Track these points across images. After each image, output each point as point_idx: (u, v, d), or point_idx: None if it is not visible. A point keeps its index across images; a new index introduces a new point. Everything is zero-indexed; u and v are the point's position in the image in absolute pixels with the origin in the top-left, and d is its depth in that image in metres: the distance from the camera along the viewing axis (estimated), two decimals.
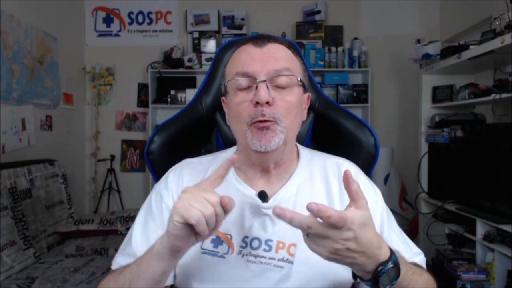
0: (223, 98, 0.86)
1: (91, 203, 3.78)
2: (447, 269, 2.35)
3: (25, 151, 2.77)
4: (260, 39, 0.80)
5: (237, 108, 0.78)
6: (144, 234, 0.80)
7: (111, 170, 3.68)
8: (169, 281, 0.79)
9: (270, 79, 0.76)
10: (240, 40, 0.85)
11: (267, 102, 0.74)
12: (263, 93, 0.73)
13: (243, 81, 0.77)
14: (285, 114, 0.76)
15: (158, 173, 0.97)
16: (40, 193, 2.55)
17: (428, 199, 2.91)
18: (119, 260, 0.80)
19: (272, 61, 0.77)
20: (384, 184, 3.28)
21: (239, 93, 0.78)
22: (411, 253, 0.80)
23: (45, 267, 2.19)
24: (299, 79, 0.79)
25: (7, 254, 2.10)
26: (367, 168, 0.95)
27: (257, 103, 0.74)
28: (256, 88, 0.75)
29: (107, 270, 0.80)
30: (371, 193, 0.82)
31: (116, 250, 0.85)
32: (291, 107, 0.77)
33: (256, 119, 0.74)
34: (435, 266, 2.52)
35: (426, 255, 0.81)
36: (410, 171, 3.24)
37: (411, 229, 3.23)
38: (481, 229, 2.26)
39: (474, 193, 2.44)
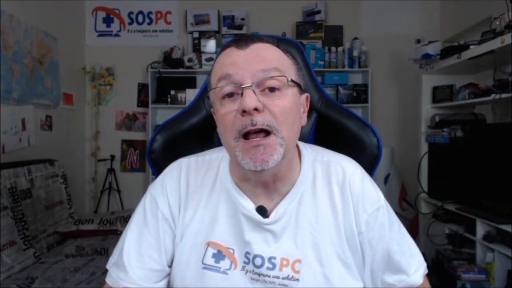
0: (212, 109, 0.75)
1: (91, 203, 3.78)
2: (447, 269, 2.35)
3: (25, 151, 2.76)
4: (242, 40, 0.71)
5: (223, 120, 0.69)
6: (137, 245, 0.76)
7: (111, 170, 3.68)
8: None
9: (257, 83, 0.67)
10: (224, 45, 0.76)
11: (256, 109, 0.65)
12: (249, 98, 0.64)
13: (227, 88, 0.68)
14: (281, 121, 0.67)
15: (160, 172, 0.97)
16: (40, 193, 2.55)
17: (428, 199, 2.91)
18: (112, 273, 0.76)
19: (256, 61, 0.68)
20: (384, 184, 3.28)
21: (224, 103, 0.69)
22: (413, 267, 0.76)
23: (45, 267, 2.19)
24: (290, 79, 0.69)
25: (7, 254, 2.10)
26: (370, 169, 0.94)
27: (244, 111, 0.65)
28: (242, 95, 0.65)
29: (107, 270, 0.79)
30: (374, 200, 0.76)
31: None
32: (286, 113, 0.67)
33: (245, 130, 0.65)
34: (435, 266, 2.51)
35: (426, 255, 0.80)
36: (410, 171, 3.24)
37: (411, 229, 3.23)
38: (481, 229, 2.26)
39: (474, 193, 2.44)
